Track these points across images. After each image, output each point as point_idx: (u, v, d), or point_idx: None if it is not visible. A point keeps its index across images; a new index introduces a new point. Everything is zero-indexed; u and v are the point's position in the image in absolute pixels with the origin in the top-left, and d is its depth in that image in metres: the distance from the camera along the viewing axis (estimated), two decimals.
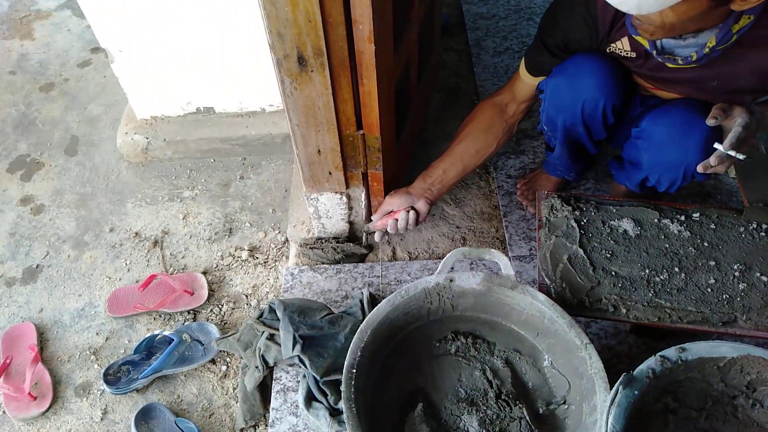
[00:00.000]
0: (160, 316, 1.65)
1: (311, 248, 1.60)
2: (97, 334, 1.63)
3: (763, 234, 1.31)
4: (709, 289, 1.23)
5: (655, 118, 1.26)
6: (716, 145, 1.09)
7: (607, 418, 1.00)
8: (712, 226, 1.33)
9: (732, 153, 1.07)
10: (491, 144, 1.43)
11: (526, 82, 1.36)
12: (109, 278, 1.75)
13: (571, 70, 1.25)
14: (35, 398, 1.49)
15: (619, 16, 1.13)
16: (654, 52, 1.11)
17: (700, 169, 1.12)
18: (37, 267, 1.80)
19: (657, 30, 0.99)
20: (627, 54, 1.20)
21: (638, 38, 1.11)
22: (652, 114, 1.28)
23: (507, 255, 1.56)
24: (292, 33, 1.05)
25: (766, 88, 1.15)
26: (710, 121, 1.09)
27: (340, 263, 1.59)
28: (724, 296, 1.22)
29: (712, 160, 1.09)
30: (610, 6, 0.97)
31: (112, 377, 1.50)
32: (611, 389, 1.03)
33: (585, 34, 1.20)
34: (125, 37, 1.74)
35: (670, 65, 1.13)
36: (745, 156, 1.07)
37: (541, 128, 1.45)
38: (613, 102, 1.26)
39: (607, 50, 1.23)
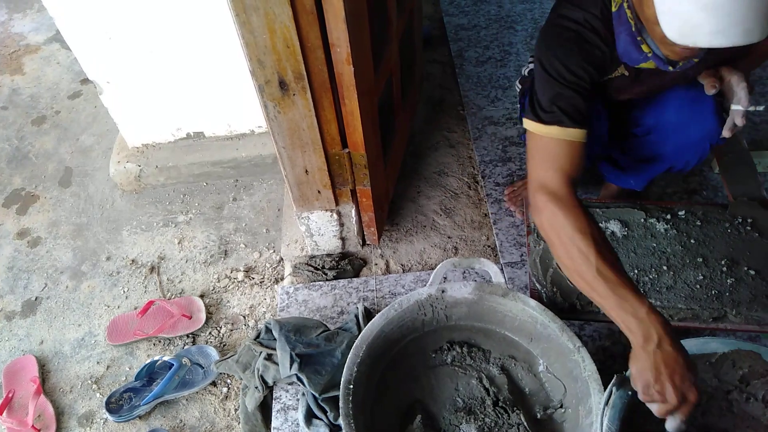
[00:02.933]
0: (160, 342, 1.66)
1: (308, 268, 1.62)
2: (97, 363, 1.64)
3: (748, 228, 1.33)
4: (698, 286, 1.25)
5: (660, 111, 1.29)
6: (734, 107, 1.12)
7: (602, 420, 1.01)
8: (698, 222, 1.35)
9: (753, 108, 1.11)
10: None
11: (567, 139, 1.08)
12: (108, 306, 1.77)
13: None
14: (39, 431, 1.50)
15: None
16: (669, 67, 1.08)
17: (726, 134, 1.15)
18: (36, 299, 1.81)
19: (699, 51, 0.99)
20: (622, 74, 1.19)
21: (645, 64, 1.10)
22: (651, 111, 1.31)
23: (498, 262, 1.58)
24: (271, 59, 1.07)
25: (735, 57, 1.18)
26: (711, 91, 1.13)
27: (335, 279, 1.60)
28: (712, 292, 1.24)
29: (738, 120, 1.13)
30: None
31: (115, 405, 1.51)
32: (605, 391, 1.05)
33: (599, 64, 1.13)
34: (112, 68, 1.77)
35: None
36: (764, 105, 1.11)
37: (522, 138, 1.47)
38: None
39: (606, 77, 1.19)
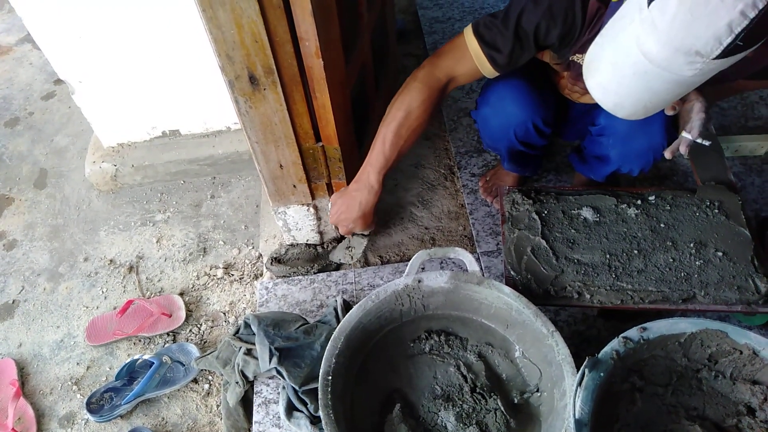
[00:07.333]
0: (140, 341, 1.66)
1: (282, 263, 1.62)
2: (77, 364, 1.64)
3: (716, 211, 1.36)
4: (668, 269, 1.28)
5: (613, 115, 1.30)
6: (684, 134, 1.13)
7: (575, 401, 1.04)
8: (668, 207, 1.38)
9: (700, 141, 1.12)
10: (424, 125, 1.26)
11: (474, 56, 1.14)
12: (87, 307, 1.76)
13: (493, 100, 1.30)
14: None
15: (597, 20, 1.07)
16: None
17: (667, 155, 1.17)
18: (13, 302, 1.80)
19: None
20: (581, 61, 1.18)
21: None
22: (606, 112, 1.31)
23: (475, 251, 1.60)
24: (240, 54, 1.07)
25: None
26: (670, 112, 1.13)
27: (317, 273, 1.61)
28: (682, 274, 1.26)
29: (683, 149, 1.13)
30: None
31: (96, 405, 1.51)
32: (578, 373, 1.07)
33: (562, 30, 1.09)
34: (83, 67, 1.75)
35: None
36: (710, 141, 1.12)
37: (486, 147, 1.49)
38: (542, 116, 1.30)
39: (571, 58, 1.20)
